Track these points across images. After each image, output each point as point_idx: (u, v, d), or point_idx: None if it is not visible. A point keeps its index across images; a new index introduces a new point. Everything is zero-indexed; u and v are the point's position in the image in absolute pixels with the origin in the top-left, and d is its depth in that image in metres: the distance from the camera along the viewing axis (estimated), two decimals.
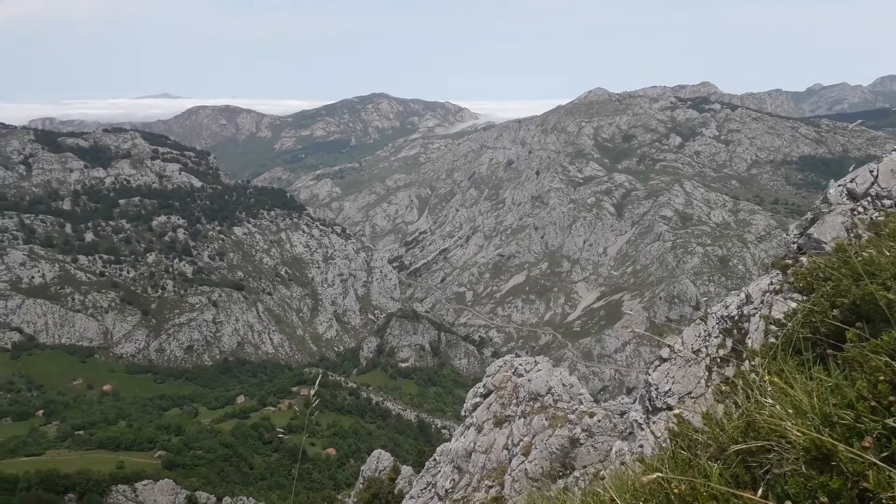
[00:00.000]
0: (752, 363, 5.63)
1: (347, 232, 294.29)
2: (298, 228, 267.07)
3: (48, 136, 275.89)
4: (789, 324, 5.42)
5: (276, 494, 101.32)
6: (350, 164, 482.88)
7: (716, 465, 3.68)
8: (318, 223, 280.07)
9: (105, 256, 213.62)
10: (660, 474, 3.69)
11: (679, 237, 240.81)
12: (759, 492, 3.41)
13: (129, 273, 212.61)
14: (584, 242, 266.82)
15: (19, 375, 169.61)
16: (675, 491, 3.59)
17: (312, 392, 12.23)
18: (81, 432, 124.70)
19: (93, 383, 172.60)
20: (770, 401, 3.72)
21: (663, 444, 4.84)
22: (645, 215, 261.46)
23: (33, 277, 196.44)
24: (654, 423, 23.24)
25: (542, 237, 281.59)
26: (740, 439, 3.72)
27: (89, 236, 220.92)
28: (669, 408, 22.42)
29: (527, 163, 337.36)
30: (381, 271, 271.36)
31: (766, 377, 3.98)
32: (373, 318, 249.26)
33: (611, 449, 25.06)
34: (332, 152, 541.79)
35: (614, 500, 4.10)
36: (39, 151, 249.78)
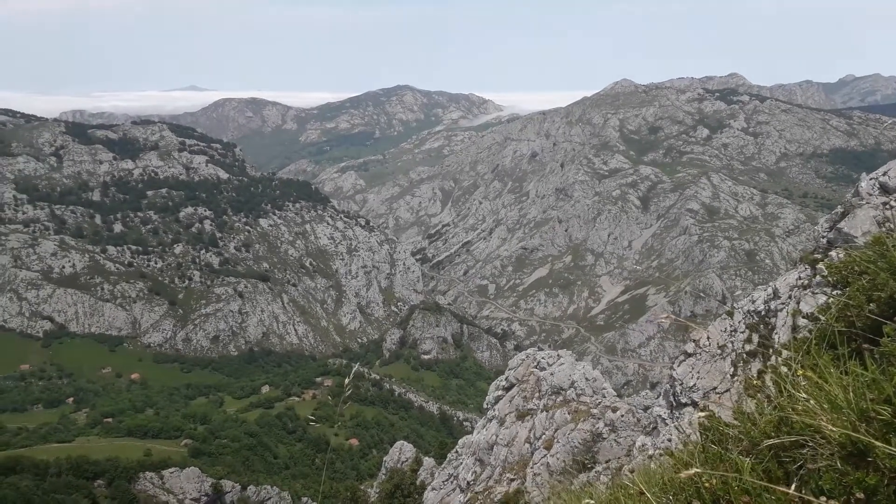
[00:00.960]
0: (785, 357, 5.44)
1: (371, 224, 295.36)
2: (323, 220, 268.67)
3: (79, 129, 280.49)
4: (823, 318, 5.23)
5: (300, 484, 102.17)
6: (374, 156, 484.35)
7: (748, 459, 3.62)
8: (342, 215, 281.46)
9: (133, 247, 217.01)
10: (697, 470, 3.62)
11: (705, 231, 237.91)
12: (793, 487, 3.35)
13: (156, 264, 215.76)
14: (608, 236, 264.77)
15: (51, 363, 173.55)
16: (707, 485, 3.55)
17: (347, 381, 12.41)
18: (110, 420, 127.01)
19: (121, 372, 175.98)
20: (804, 395, 3.65)
21: (693, 438, 4.71)
22: (671, 208, 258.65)
23: (64, 267, 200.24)
24: (678, 418, 22.97)
25: (566, 230, 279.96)
26: (773, 434, 3.65)
27: (118, 227, 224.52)
28: (694, 403, 22.15)
29: (551, 155, 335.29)
30: (404, 263, 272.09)
31: (800, 371, 3.90)
32: (396, 310, 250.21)
33: (634, 444, 24.84)
34: (357, 145, 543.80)
35: (643, 493, 4.04)
36: (70, 143, 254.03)
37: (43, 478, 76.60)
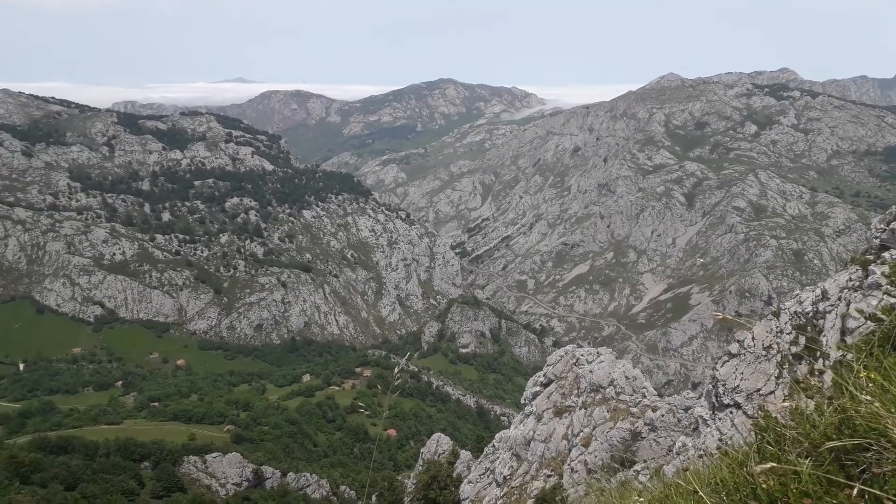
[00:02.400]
0: (839, 357, 5.42)
1: (411, 217, 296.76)
2: (364, 213, 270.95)
3: (130, 119, 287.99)
4: (887, 318, 5.14)
5: (339, 472, 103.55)
6: (416, 149, 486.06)
7: (807, 461, 3.50)
8: (383, 208, 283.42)
9: (181, 236, 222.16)
10: (774, 464, 3.49)
11: (752, 229, 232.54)
12: (855, 491, 3.24)
13: (202, 252, 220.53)
14: (651, 232, 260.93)
15: (101, 347, 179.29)
16: (763, 486, 3.44)
17: (397, 370, 12.74)
18: (156, 404, 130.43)
19: (167, 357, 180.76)
20: (868, 397, 3.55)
21: (736, 439, 4.74)
22: (717, 206, 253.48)
23: (114, 254, 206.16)
24: (720, 419, 22.67)
25: (608, 226, 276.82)
26: (834, 436, 3.54)
27: (166, 216, 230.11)
28: (737, 404, 21.82)
29: (594, 149, 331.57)
30: (443, 257, 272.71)
31: (863, 373, 3.82)
32: (434, 303, 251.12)
33: (674, 444, 24.60)
34: (399, 138, 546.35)
35: (696, 492, 3.96)
36: (122, 133, 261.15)
37: (92, 458, 79.17)
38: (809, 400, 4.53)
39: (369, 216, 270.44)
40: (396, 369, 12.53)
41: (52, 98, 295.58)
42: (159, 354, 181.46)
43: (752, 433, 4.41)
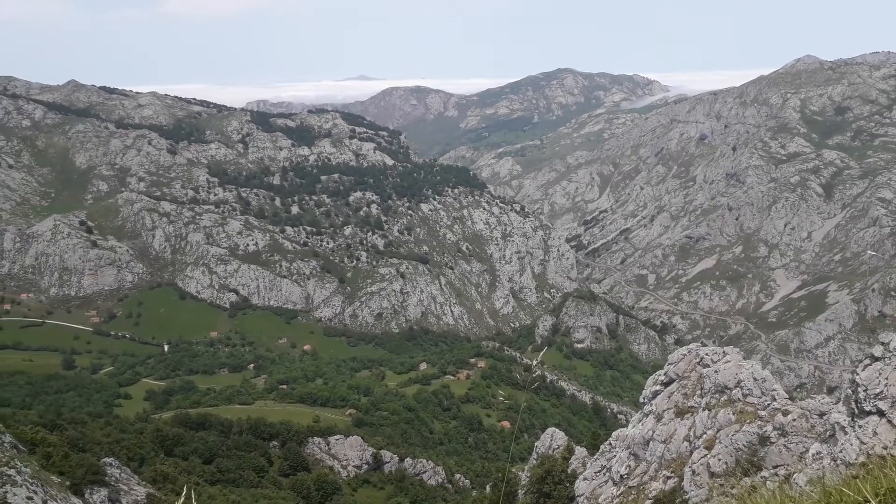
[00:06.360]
0: None
1: (526, 210, 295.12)
2: (479, 206, 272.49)
3: (262, 117, 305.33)
4: None
5: (454, 460, 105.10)
6: (531, 141, 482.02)
7: None
8: (498, 201, 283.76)
9: (308, 228, 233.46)
10: None
11: None
12: None
13: (328, 244, 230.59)
14: (784, 226, 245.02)
15: (235, 332, 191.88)
16: None
17: (535, 362, 12.80)
18: (284, 386, 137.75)
19: (295, 343, 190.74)
20: None
21: (877, 450, 4.50)
22: (859, 197, 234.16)
23: (248, 245, 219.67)
24: (859, 427, 21.18)
25: (736, 219, 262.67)
26: None
27: (295, 209, 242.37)
28: (880, 412, 20.30)
29: (722, 138, 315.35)
30: (558, 250, 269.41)
31: None
32: (548, 296, 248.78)
33: (806, 451, 23.25)
34: (515, 130, 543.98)
35: (868, 501, 3.63)
36: (255, 131, 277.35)
37: (227, 435, 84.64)
38: None
39: (484, 209, 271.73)
40: (534, 363, 12.67)
41: (194, 99, 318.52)
42: (287, 340, 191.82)
43: None
